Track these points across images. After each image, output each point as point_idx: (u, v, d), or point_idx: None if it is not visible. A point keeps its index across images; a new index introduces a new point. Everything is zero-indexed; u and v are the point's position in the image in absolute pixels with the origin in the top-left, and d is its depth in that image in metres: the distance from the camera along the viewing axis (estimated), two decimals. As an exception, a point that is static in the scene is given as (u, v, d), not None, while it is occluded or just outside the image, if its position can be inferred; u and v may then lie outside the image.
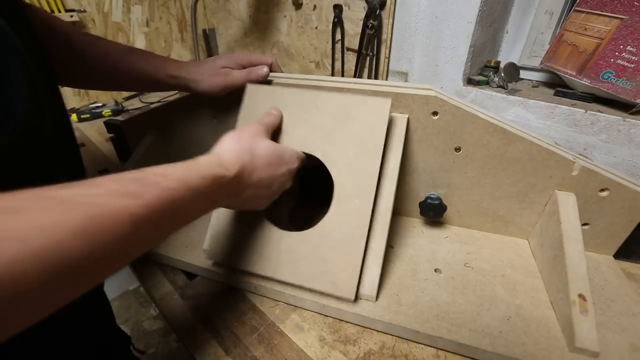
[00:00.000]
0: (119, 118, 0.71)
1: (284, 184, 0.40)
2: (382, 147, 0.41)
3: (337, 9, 0.88)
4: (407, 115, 0.46)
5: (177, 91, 1.21)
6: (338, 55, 0.96)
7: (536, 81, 0.79)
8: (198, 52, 1.12)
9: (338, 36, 0.93)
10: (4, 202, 0.18)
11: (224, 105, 0.56)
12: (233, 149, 0.34)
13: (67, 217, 0.19)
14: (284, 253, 0.42)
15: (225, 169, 0.32)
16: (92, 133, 0.94)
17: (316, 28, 0.98)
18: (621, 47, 0.58)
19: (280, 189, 0.40)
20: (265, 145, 0.37)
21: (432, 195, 0.51)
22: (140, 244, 0.24)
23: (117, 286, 1.61)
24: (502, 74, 0.77)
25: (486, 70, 0.79)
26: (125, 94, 1.19)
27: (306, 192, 0.63)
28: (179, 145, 0.66)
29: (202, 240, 0.50)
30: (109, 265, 0.22)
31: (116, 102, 1.09)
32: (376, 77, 0.90)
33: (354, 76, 0.93)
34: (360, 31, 0.86)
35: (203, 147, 0.63)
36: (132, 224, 0.22)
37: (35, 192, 0.19)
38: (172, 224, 0.27)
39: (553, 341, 0.36)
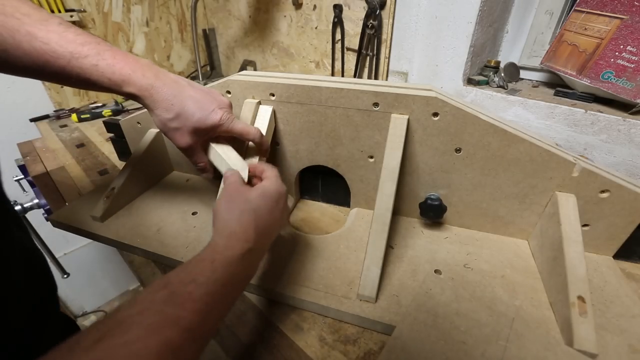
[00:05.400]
0: (119, 118, 0.71)
1: (285, 211, 0.40)
2: None
3: (337, 8, 0.88)
4: (407, 116, 0.46)
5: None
6: (338, 55, 0.96)
7: (536, 81, 0.79)
8: (198, 51, 1.12)
9: (338, 36, 0.93)
10: None
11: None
12: (232, 219, 0.33)
13: None
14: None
15: (244, 241, 0.31)
16: (92, 133, 0.94)
17: (316, 28, 0.98)
18: (621, 47, 0.58)
19: (285, 215, 0.41)
20: (256, 197, 0.36)
21: (432, 196, 0.51)
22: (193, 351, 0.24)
23: (117, 286, 1.61)
24: (502, 74, 0.77)
25: (486, 70, 0.79)
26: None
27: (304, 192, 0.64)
28: (179, 145, 0.66)
29: (202, 241, 0.50)
30: None
31: (116, 102, 1.09)
32: (376, 77, 0.90)
33: (354, 76, 0.93)
34: (360, 31, 0.86)
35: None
36: (175, 356, 0.21)
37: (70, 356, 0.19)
38: (216, 320, 0.27)
39: (552, 342, 0.36)
